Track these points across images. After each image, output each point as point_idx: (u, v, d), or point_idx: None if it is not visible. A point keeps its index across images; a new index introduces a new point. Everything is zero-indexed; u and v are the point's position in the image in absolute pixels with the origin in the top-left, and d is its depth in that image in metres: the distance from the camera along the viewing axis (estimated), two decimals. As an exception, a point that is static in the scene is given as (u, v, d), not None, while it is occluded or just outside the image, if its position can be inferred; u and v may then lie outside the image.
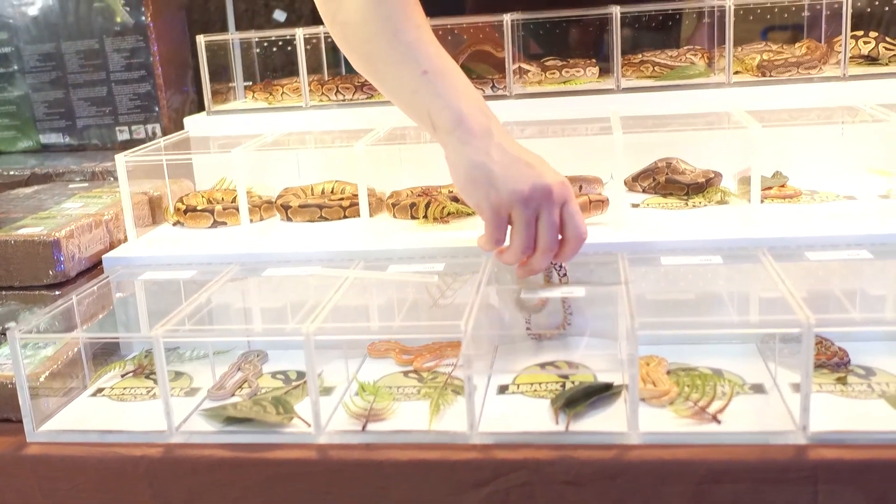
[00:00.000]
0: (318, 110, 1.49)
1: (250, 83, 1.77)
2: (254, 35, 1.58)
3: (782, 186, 1.28)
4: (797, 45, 1.49)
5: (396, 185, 1.38)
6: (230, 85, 1.71)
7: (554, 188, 0.96)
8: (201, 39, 1.50)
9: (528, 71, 1.56)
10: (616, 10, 1.41)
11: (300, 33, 1.46)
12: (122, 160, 1.24)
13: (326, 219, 1.30)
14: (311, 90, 1.54)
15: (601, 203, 1.21)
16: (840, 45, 1.48)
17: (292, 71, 1.62)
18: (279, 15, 2.11)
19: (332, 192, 1.38)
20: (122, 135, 1.70)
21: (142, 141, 1.69)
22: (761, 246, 1.09)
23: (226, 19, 2.08)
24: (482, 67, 1.67)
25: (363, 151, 1.21)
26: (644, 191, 1.34)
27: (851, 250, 1.07)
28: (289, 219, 1.32)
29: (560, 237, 0.99)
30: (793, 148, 1.35)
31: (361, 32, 1.03)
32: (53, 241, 1.15)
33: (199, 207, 1.30)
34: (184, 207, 1.32)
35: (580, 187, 1.24)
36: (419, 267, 1.13)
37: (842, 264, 1.08)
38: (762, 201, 1.19)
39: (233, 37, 1.57)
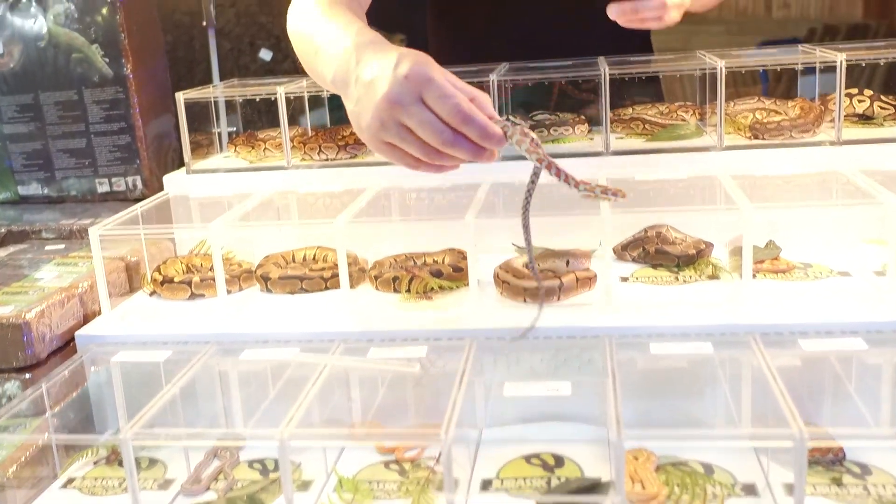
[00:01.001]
0: (301, 170, 1.46)
1: (233, 129, 1.74)
2: (236, 92, 1.54)
3: (775, 259, 1.25)
4: (791, 103, 1.46)
5: (380, 250, 1.35)
6: (214, 131, 1.68)
7: (389, 95, 0.90)
8: (180, 97, 1.46)
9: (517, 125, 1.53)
10: (605, 70, 1.38)
11: (281, 91, 1.43)
12: (95, 234, 1.20)
13: (307, 290, 1.27)
14: (293, 146, 1.51)
15: (589, 280, 1.18)
16: (834, 104, 1.44)
17: (275, 118, 1.59)
18: (265, 54, 2.08)
19: (314, 259, 1.34)
20: (102, 186, 1.67)
21: (122, 193, 1.66)
22: (753, 332, 1.05)
23: (209, 59, 2.04)
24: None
25: (344, 227, 1.17)
26: (634, 260, 1.31)
27: (846, 338, 1.04)
28: (269, 290, 1.28)
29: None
30: (786, 217, 1.31)
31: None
32: (23, 323, 1.12)
33: (176, 279, 1.27)
34: (161, 278, 1.28)
35: (567, 262, 1.21)
36: (401, 351, 1.10)
37: (836, 355, 1.05)
38: (754, 276, 1.15)
39: (214, 93, 1.53)
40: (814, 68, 1.49)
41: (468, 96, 0.93)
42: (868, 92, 1.45)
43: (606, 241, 1.24)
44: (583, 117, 1.51)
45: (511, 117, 0.97)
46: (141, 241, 1.35)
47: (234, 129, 1.75)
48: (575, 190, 1.01)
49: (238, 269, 1.32)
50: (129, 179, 1.65)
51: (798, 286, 1.17)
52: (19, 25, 1.60)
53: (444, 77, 0.91)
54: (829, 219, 1.31)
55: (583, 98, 1.62)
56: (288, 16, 1.25)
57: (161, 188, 1.63)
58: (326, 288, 1.27)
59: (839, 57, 1.32)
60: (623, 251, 1.31)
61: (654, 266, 1.28)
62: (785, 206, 1.26)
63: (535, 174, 1.00)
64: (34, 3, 1.60)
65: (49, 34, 1.60)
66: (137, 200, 1.65)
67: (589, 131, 1.52)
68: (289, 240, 1.42)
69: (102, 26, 1.58)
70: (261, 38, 2.08)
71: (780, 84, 1.55)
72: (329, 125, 1.67)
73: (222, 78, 1.91)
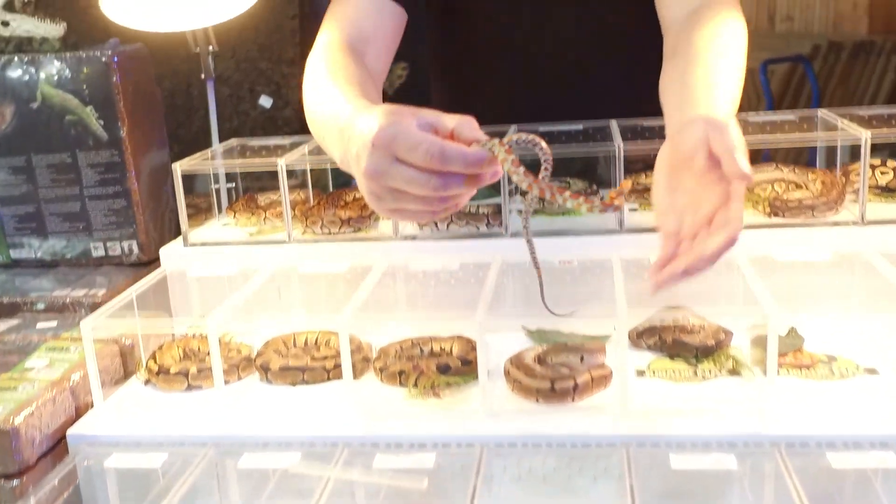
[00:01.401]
0: (303, 245, 1.40)
1: (232, 185, 1.69)
2: (236, 163, 1.48)
3: (798, 352, 1.20)
4: (811, 174, 1.41)
5: (385, 332, 1.30)
6: (212, 194, 1.63)
7: (367, 169, 0.90)
8: (177, 169, 1.41)
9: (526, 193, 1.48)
10: (619, 147, 1.33)
11: (282, 164, 1.37)
12: (88, 328, 1.15)
13: (309, 382, 1.22)
14: (294, 215, 1.45)
15: (604, 379, 1.13)
16: (856, 175, 1.39)
17: (277, 175, 1.54)
18: (265, 101, 2.03)
19: (315, 344, 1.29)
20: (97, 251, 1.61)
21: (118, 257, 1.60)
22: (778, 442, 1.01)
23: (206, 106, 1.98)
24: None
25: (348, 322, 1.12)
26: (650, 348, 1.26)
27: (876, 452, 0.99)
28: (269, 380, 1.23)
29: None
30: (809, 303, 1.26)
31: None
32: (11, 429, 1.07)
33: (172, 370, 1.22)
34: (157, 368, 1.23)
35: (581, 358, 1.15)
36: (408, 459, 1.04)
37: (867, 472, 0.99)
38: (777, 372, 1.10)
39: (214, 164, 1.48)
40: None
41: (445, 131, 0.91)
42: (892, 163, 1.40)
43: (621, 326, 1.18)
44: (595, 187, 1.45)
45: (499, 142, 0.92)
46: (137, 318, 1.30)
47: (233, 184, 1.69)
48: (570, 203, 0.93)
49: (237, 355, 1.26)
50: (125, 244, 1.60)
51: (823, 387, 1.12)
52: (11, 86, 1.55)
53: (409, 127, 0.89)
54: (852, 301, 1.26)
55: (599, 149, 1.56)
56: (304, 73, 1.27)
57: (157, 251, 1.59)
58: (329, 379, 1.22)
59: (864, 135, 1.26)
60: (639, 339, 1.26)
61: (672, 356, 1.23)
62: (809, 303, 1.21)
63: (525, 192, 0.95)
64: (27, 64, 1.54)
65: (42, 95, 1.55)
66: (134, 265, 1.61)
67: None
68: (291, 322, 1.37)
69: (97, 88, 1.53)
70: (261, 85, 2.03)
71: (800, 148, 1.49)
72: (332, 187, 1.61)
73: (221, 127, 1.85)
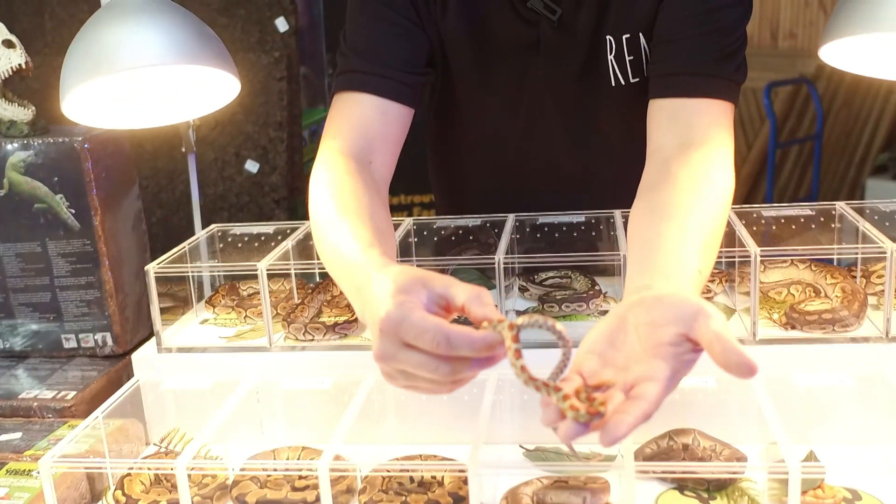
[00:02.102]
0: (285, 353, 1.31)
1: (214, 261, 1.59)
2: (216, 267, 1.39)
3: (818, 489, 1.10)
4: (830, 276, 1.31)
5: (376, 451, 1.21)
6: (189, 287, 1.53)
7: (377, 354, 0.88)
8: (150, 271, 1.32)
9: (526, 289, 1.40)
10: (624, 255, 1.23)
11: (262, 267, 1.28)
12: (46, 467, 1.05)
13: (289, 516, 1.12)
14: (276, 313, 1.36)
15: (609, 526, 1.03)
16: (879, 278, 1.30)
17: (264, 251, 1.45)
18: (251, 166, 1.94)
19: (298, 470, 1.19)
20: (69, 342, 1.52)
21: (91, 349, 1.51)
22: None
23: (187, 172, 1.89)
24: (471, 275, 1.50)
25: (327, 464, 1.03)
26: (657, 476, 1.16)
27: None
28: (245, 514, 1.13)
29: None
30: (828, 428, 1.17)
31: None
32: (-41, 590, 0.97)
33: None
34: (124, 500, 1.13)
35: (583, 500, 1.06)
36: None
37: None
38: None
39: (191, 268, 1.39)
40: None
41: (455, 305, 0.88)
42: (915, 266, 1.30)
43: (626, 450, 1.09)
44: (598, 288, 1.36)
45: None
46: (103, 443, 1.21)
47: (215, 260, 1.60)
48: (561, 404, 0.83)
49: (212, 482, 1.17)
50: (99, 336, 1.51)
51: (849, 536, 1.03)
52: (-23, 173, 1.46)
53: (415, 312, 0.85)
54: (874, 430, 1.17)
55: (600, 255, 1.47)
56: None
57: (132, 341, 1.50)
58: (311, 513, 1.12)
59: (890, 248, 1.17)
60: (646, 463, 1.16)
61: (681, 490, 1.14)
62: (828, 428, 1.12)
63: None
64: (-7, 149, 1.45)
65: (9, 182, 1.46)
66: (107, 357, 1.52)
67: (604, 298, 1.37)
68: (272, 433, 1.28)
69: (67, 175, 1.44)
70: (246, 149, 1.94)
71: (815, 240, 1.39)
72: (318, 276, 1.52)
73: (205, 192, 1.76)
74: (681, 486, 1.14)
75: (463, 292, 0.89)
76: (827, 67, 5.83)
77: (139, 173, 1.91)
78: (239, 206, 2.04)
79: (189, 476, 1.18)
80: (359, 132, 1.28)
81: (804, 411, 1.17)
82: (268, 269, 1.29)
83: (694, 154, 1.16)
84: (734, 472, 1.12)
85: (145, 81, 1.39)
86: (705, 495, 1.12)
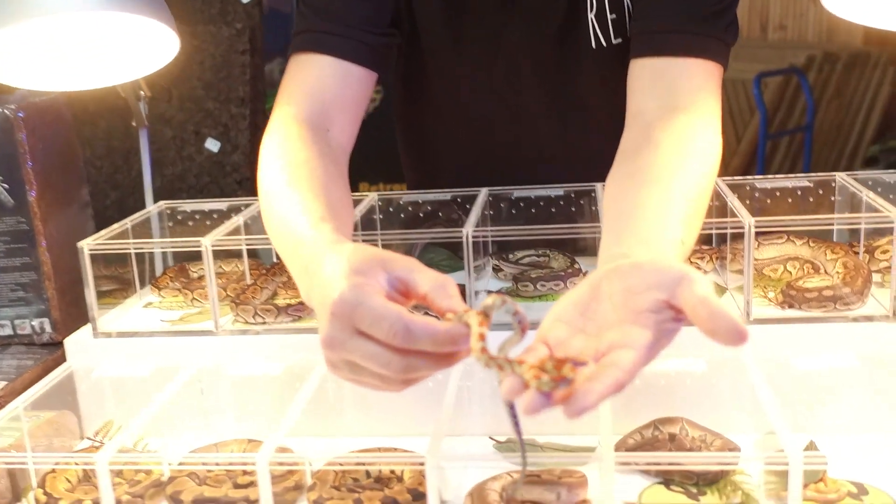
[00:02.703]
0: (233, 336, 1.19)
1: (164, 251, 1.48)
2: (158, 244, 1.27)
3: (820, 482, 0.99)
4: (830, 251, 1.20)
5: (331, 444, 1.10)
6: (131, 267, 1.41)
7: (324, 339, 0.77)
8: (84, 248, 1.20)
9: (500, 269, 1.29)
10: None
11: (207, 243, 1.16)
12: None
13: (230, 517, 1.01)
14: (226, 295, 1.25)
15: (586, 525, 0.92)
16: (883, 253, 1.19)
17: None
18: (212, 144, 1.82)
19: (241, 461, 1.08)
20: (4, 329, 1.40)
21: (28, 336, 1.39)
22: None
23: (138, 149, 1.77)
24: (440, 255, 1.38)
25: (266, 457, 0.91)
26: (642, 471, 1.05)
27: None
28: (182, 515, 1.02)
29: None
30: (830, 415, 1.06)
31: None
32: None
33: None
34: (45, 500, 1.02)
35: (558, 496, 0.95)
36: None
37: None
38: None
39: (132, 244, 1.26)
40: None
41: (417, 293, 0.78)
42: (922, 239, 1.19)
43: (606, 440, 0.97)
44: (578, 266, 1.25)
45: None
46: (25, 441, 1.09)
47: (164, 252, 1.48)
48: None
49: (145, 479, 1.05)
50: (36, 322, 1.39)
51: (855, 534, 0.92)
52: None
53: (373, 296, 0.74)
54: (879, 415, 1.06)
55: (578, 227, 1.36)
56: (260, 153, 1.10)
57: (74, 330, 1.38)
58: (254, 513, 1.01)
59: (896, 216, 1.06)
60: (628, 455, 1.05)
61: (668, 484, 1.02)
62: (830, 415, 1.01)
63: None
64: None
65: (-63, 156, 1.33)
66: (46, 346, 1.39)
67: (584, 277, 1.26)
68: (217, 423, 1.17)
69: (0, 147, 1.32)
70: (207, 127, 1.82)
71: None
72: (275, 258, 1.40)
73: (162, 173, 1.64)
74: (667, 479, 1.03)
75: (427, 279, 0.78)
76: (818, 58, 5.71)
77: (93, 153, 1.79)
78: (199, 188, 1.91)
79: (121, 472, 1.07)
80: (315, 97, 1.16)
81: (803, 397, 1.06)
82: (214, 246, 1.17)
83: (678, 118, 1.05)
84: (726, 464, 1.00)
85: (73, 34, 1.26)
86: (694, 490, 1.01)
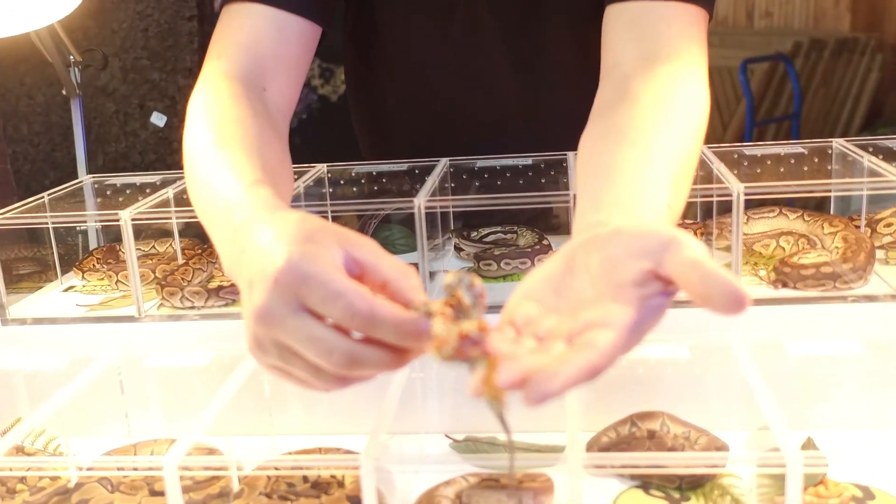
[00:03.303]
0: (158, 323, 1.06)
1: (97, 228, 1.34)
2: (70, 216, 1.13)
3: (820, 485, 0.87)
4: (827, 225, 1.08)
5: (267, 444, 0.97)
6: (50, 249, 1.27)
7: (259, 309, 0.62)
8: (-11, 223, 1.06)
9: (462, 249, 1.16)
10: (575, 194, 0.99)
11: (126, 217, 1.03)
12: None
13: (145, 528, 0.88)
14: (154, 278, 1.11)
15: (550, 537, 0.79)
16: (887, 227, 1.07)
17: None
18: (157, 119, 1.68)
19: (160, 465, 0.94)
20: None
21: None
22: None
23: (90, 124, 1.63)
24: (397, 233, 1.25)
25: (174, 460, 0.78)
26: (617, 473, 0.92)
27: None
28: (90, 526, 0.88)
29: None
30: (830, 412, 0.94)
31: None
32: None
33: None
34: (-69, 510, 0.88)
35: (519, 501, 0.82)
36: None
37: None
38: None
39: (49, 218, 1.12)
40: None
41: (377, 278, 0.65)
42: (929, 211, 1.07)
43: (574, 438, 0.84)
44: (546, 242, 1.12)
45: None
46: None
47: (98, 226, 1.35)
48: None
49: (50, 486, 0.92)
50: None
51: (861, 546, 0.79)
52: None
53: (328, 267, 0.62)
54: (891, 425, 0.94)
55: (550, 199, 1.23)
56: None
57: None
58: (174, 524, 0.87)
59: (902, 181, 0.94)
60: (602, 454, 0.92)
61: (646, 488, 0.90)
62: (830, 408, 0.89)
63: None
64: None
65: None
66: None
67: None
68: (137, 421, 1.04)
69: None
70: (152, 100, 1.68)
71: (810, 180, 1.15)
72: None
73: (105, 150, 1.51)
74: (645, 483, 0.91)
75: (390, 265, 0.65)
76: (804, 44, 5.62)
77: (30, 129, 1.65)
78: (144, 166, 1.76)
79: (23, 479, 0.94)
80: (249, 51, 1.03)
81: (800, 388, 0.94)
82: (135, 220, 1.04)
83: (659, 69, 0.92)
84: (713, 465, 0.88)
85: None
86: (676, 495, 0.88)
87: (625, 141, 0.83)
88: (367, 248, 0.65)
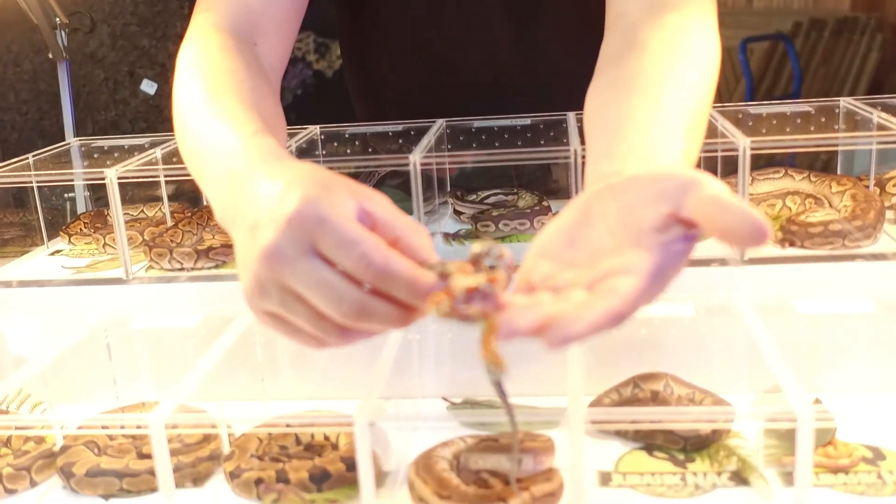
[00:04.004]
0: (147, 285, 1.03)
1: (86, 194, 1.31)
2: (54, 175, 1.09)
3: (829, 445, 0.84)
4: (835, 184, 1.05)
5: (260, 408, 0.94)
6: (35, 212, 1.24)
7: (268, 248, 0.59)
8: (-29, 183, 1.03)
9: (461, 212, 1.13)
10: (576, 151, 0.96)
11: (112, 175, 1.00)
12: None
13: (130, 492, 0.85)
14: (142, 241, 1.08)
15: (551, 498, 0.77)
16: (895, 186, 1.04)
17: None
18: (148, 86, 1.64)
19: (137, 430, 0.92)
20: None
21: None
22: None
23: (80, 91, 1.60)
24: (395, 196, 1.21)
25: (162, 421, 0.75)
26: (619, 434, 0.90)
27: None
28: (74, 490, 0.86)
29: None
30: (839, 369, 0.91)
31: None
32: None
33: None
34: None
35: (519, 463, 0.79)
36: None
37: None
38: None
39: (33, 176, 1.09)
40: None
41: (389, 232, 0.62)
42: (941, 168, 1.04)
43: (575, 396, 0.80)
44: (546, 204, 1.09)
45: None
46: None
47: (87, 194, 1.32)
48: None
49: (34, 449, 0.89)
50: (-66, 275, 1.22)
51: (873, 507, 0.77)
52: None
53: (344, 213, 0.59)
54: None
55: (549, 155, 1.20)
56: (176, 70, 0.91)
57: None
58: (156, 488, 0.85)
59: (913, 133, 0.91)
60: (612, 422, 0.90)
61: (650, 450, 0.87)
62: (840, 369, 0.86)
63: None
64: None
65: None
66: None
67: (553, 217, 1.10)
68: (124, 382, 1.01)
69: None
70: (142, 67, 1.65)
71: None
72: (204, 201, 1.24)
73: (94, 118, 1.47)
74: (649, 445, 0.88)
75: (404, 221, 0.62)
76: (804, 24, 5.58)
77: (17, 97, 1.62)
78: (134, 134, 1.74)
79: (9, 441, 0.91)
80: (239, 5, 0.99)
81: (808, 348, 0.91)
82: (121, 179, 1.01)
83: (667, 17, 0.88)
84: (719, 423, 0.85)
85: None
86: (681, 456, 0.86)
87: (635, 90, 0.80)
88: (380, 202, 0.63)
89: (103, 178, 1.00)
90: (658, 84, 0.80)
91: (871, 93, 5.17)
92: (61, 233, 1.19)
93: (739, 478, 0.82)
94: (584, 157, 0.97)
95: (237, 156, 0.72)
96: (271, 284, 0.61)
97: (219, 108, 0.81)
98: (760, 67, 5.35)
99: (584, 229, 0.60)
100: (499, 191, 1.17)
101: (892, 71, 5.20)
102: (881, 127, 0.97)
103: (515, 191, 1.17)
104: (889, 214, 1.03)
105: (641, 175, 0.59)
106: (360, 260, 0.57)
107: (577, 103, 0.88)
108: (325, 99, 2.85)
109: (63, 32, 1.39)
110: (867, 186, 1.05)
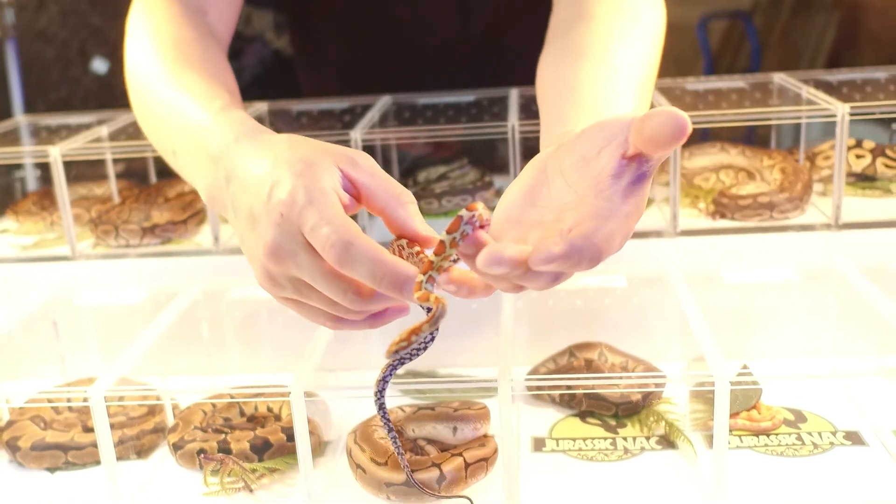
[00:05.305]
0: (93, 262, 1.04)
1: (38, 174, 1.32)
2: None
3: (753, 409, 0.87)
4: (766, 159, 1.08)
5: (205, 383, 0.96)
6: None
7: (269, 246, 0.61)
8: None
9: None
10: (514, 126, 0.98)
11: (56, 153, 1.00)
12: None
13: (76, 465, 0.87)
14: (90, 219, 1.09)
15: (485, 463, 0.79)
16: (825, 160, 1.07)
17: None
18: (100, 64, 1.64)
19: (82, 402, 0.93)
20: None
21: None
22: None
23: (27, 69, 1.60)
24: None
25: (102, 394, 0.77)
26: (555, 402, 0.92)
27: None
28: (19, 463, 0.87)
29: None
30: (765, 336, 0.95)
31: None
32: None
33: None
34: None
35: (454, 429, 0.82)
36: None
37: None
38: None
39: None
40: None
41: (376, 207, 0.63)
42: (869, 144, 1.08)
43: (506, 363, 0.82)
44: (488, 179, 1.11)
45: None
46: None
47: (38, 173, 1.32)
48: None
49: (-20, 426, 0.90)
50: None
51: (794, 468, 0.80)
52: None
53: (330, 192, 0.60)
54: (824, 346, 0.95)
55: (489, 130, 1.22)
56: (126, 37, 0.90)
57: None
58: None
59: (840, 109, 0.94)
60: (540, 388, 0.93)
61: (583, 416, 0.90)
62: (766, 336, 0.89)
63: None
64: None
65: None
66: None
67: (497, 194, 1.13)
68: (73, 349, 1.02)
69: None
70: (94, 45, 1.64)
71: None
72: (154, 177, 1.24)
73: (45, 98, 1.47)
74: (582, 412, 0.91)
75: (386, 189, 0.63)
76: (763, 2, 5.63)
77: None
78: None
79: (-49, 418, 0.92)
80: None
81: (737, 316, 0.95)
82: (66, 157, 1.01)
83: None
84: (648, 388, 0.88)
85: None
86: (613, 422, 0.89)
87: (585, 56, 0.81)
88: (364, 169, 0.63)
89: (47, 157, 1.00)
90: (607, 49, 0.81)
91: (828, 70, 5.24)
92: (8, 211, 1.19)
93: (667, 441, 0.85)
94: (521, 132, 1.00)
95: (212, 136, 0.72)
96: (282, 277, 0.62)
97: (182, 82, 0.80)
98: (719, 45, 5.39)
99: (544, 188, 0.61)
100: (443, 168, 1.19)
101: (848, 48, 5.27)
102: (810, 102, 1.00)
103: (464, 165, 1.18)
104: (817, 187, 1.07)
105: (589, 127, 0.61)
106: (324, 243, 0.58)
107: (522, 77, 0.89)
108: (284, 77, 2.84)
109: (12, 9, 1.39)
110: (797, 160, 1.09)
